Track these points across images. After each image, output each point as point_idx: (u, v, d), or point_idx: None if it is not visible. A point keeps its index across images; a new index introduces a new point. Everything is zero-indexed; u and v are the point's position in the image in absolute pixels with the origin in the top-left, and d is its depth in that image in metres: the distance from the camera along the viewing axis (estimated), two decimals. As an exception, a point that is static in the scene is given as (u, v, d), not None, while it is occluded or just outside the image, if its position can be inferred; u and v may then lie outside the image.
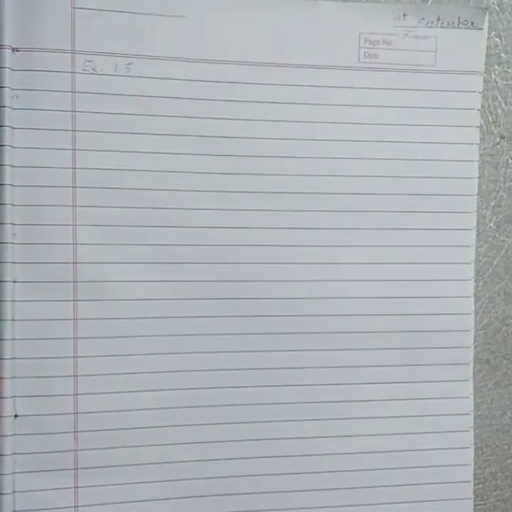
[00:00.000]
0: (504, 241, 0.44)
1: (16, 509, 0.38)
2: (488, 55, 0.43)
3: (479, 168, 0.43)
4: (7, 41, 0.37)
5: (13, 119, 0.38)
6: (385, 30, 0.41)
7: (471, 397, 0.43)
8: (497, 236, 0.44)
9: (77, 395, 0.39)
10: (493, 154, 0.43)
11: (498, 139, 0.43)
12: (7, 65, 0.37)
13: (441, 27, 0.42)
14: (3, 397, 0.38)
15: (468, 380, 0.43)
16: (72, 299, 0.39)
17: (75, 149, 0.39)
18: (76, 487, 0.39)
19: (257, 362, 0.41)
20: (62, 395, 0.39)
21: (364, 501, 0.42)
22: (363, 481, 0.42)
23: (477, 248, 0.43)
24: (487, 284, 0.44)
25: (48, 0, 0.38)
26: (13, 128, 0.38)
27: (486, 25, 0.42)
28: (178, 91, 0.39)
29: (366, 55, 0.41)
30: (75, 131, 0.39)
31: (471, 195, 0.43)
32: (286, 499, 0.41)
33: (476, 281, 0.43)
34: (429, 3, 0.43)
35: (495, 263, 0.44)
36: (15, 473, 0.38)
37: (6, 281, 0.38)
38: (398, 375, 0.42)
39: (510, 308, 0.44)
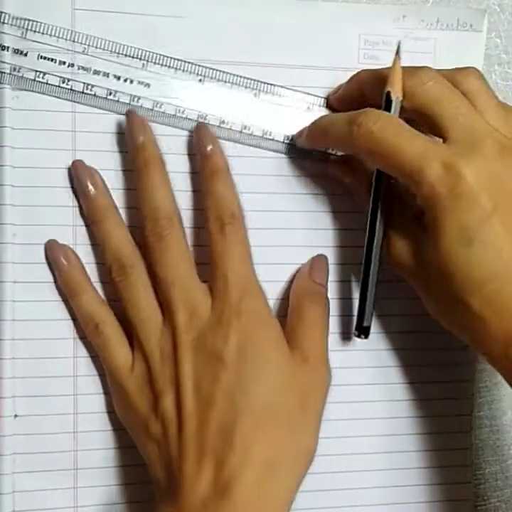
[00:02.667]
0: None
1: (16, 509, 0.38)
2: (488, 56, 0.43)
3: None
4: (8, 43, 0.38)
5: (13, 119, 0.38)
6: (384, 32, 0.41)
7: (472, 397, 0.43)
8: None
9: (76, 395, 0.39)
10: (493, 155, 0.43)
11: (497, 140, 0.43)
12: (7, 67, 0.38)
13: (441, 29, 0.42)
14: (3, 397, 0.38)
15: (468, 381, 0.43)
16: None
17: (74, 150, 0.39)
18: (75, 487, 0.39)
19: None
20: (61, 395, 0.39)
21: (364, 502, 0.42)
22: (363, 482, 0.42)
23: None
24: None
25: (49, 1, 0.38)
26: (13, 128, 0.38)
27: (484, 28, 0.42)
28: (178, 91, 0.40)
29: (366, 56, 0.41)
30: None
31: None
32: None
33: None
34: (428, 5, 0.43)
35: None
36: (14, 473, 0.38)
37: (6, 282, 0.38)
38: (398, 376, 0.42)
39: (510, 308, 0.44)
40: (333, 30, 0.41)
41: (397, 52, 0.37)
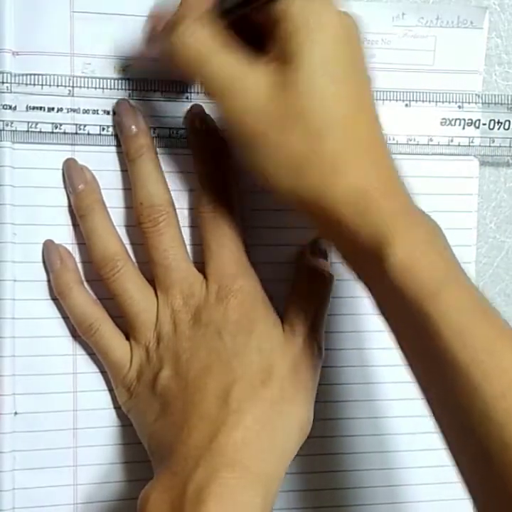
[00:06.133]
0: (504, 242, 0.44)
1: (16, 506, 0.39)
2: (489, 56, 0.43)
3: (480, 168, 0.43)
4: (8, 45, 0.38)
5: (13, 120, 0.38)
6: (383, 30, 0.41)
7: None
8: (497, 237, 0.44)
9: (76, 392, 0.39)
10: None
11: (499, 139, 0.43)
12: (8, 69, 0.38)
13: (441, 26, 0.42)
14: (3, 395, 0.38)
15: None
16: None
17: (74, 151, 0.39)
18: (75, 484, 0.39)
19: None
20: (61, 392, 0.39)
21: (364, 501, 0.42)
22: (363, 481, 0.42)
23: (478, 249, 0.43)
24: (487, 285, 0.44)
25: (48, 4, 0.38)
26: (14, 130, 0.38)
27: (485, 25, 0.42)
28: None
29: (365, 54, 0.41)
30: (75, 134, 0.39)
31: (472, 195, 0.43)
32: (288, 498, 0.41)
33: (476, 281, 0.42)
34: (428, 3, 0.42)
35: (495, 264, 0.44)
36: (14, 470, 0.39)
37: (6, 281, 0.38)
38: (397, 375, 0.42)
39: (510, 309, 0.44)
40: (333, 29, 0.41)
41: None
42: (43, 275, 0.39)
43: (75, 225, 0.39)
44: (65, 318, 0.39)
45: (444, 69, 0.42)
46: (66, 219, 0.39)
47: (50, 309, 0.39)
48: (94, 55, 0.39)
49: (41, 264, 0.39)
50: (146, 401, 0.38)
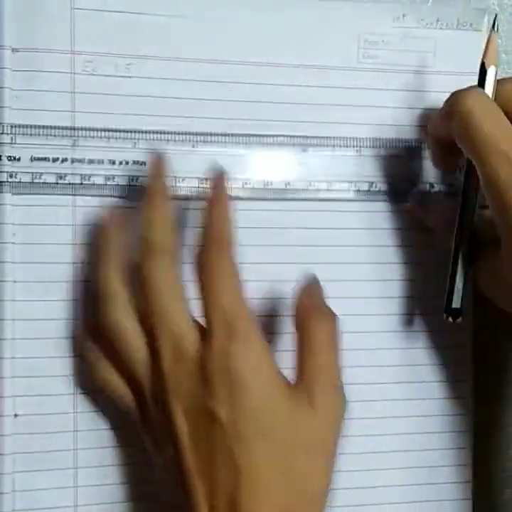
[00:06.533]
0: (503, 242, 0.44)
1: (16, 508, 0.38)
2: (488, 57, 0.43)
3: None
4: (7, 42, 0.37)
5: (13, 119, 0.38)
6: (383, 31, 0.41)
7: (471, 397, 0.43)
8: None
9: (76, 394, 0.39)
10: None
11: (497, 140, 0.43)
12: (7, 66, 0.38)
13: (441, 28, 0.42)
14: (3, 397, 0.38)
15: (467, 381, 0.43)
16: (71, 298, 0.39)
17: (74, 150, 0.39)
18: (75, 486, 0.39)
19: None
20: (61, 394, 0.39)
21: (363, 501, 0.42)
22: (363, 481, 0.42)
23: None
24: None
25: (48, 1, 0.38)
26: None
27: (485, 27, 0.42)
28: (178, 91, 0.40)
29: (365, 55, 0.41)
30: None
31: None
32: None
33: (475, 281, 0.43)
34: (428, 4, 0.43)
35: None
36: (14, 472, 0.38)
37: (6, 281, 0.38)
38: (397, 375, 0.42)
39: (509, 308, 0.44)
40: (333, 29, 0.41)
41: (494, 26, 0.37)
42: (42, 276, 0.39)
43: (75, 224, 0.39)
44: (65, 319, 0.39)
45: (444, 70, 0.42)
46: (66, 219, 0.39)
47: (51, 310, 0.39)
48: (96, 53, 0.38)
49: (41, 265, 0.38)
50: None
